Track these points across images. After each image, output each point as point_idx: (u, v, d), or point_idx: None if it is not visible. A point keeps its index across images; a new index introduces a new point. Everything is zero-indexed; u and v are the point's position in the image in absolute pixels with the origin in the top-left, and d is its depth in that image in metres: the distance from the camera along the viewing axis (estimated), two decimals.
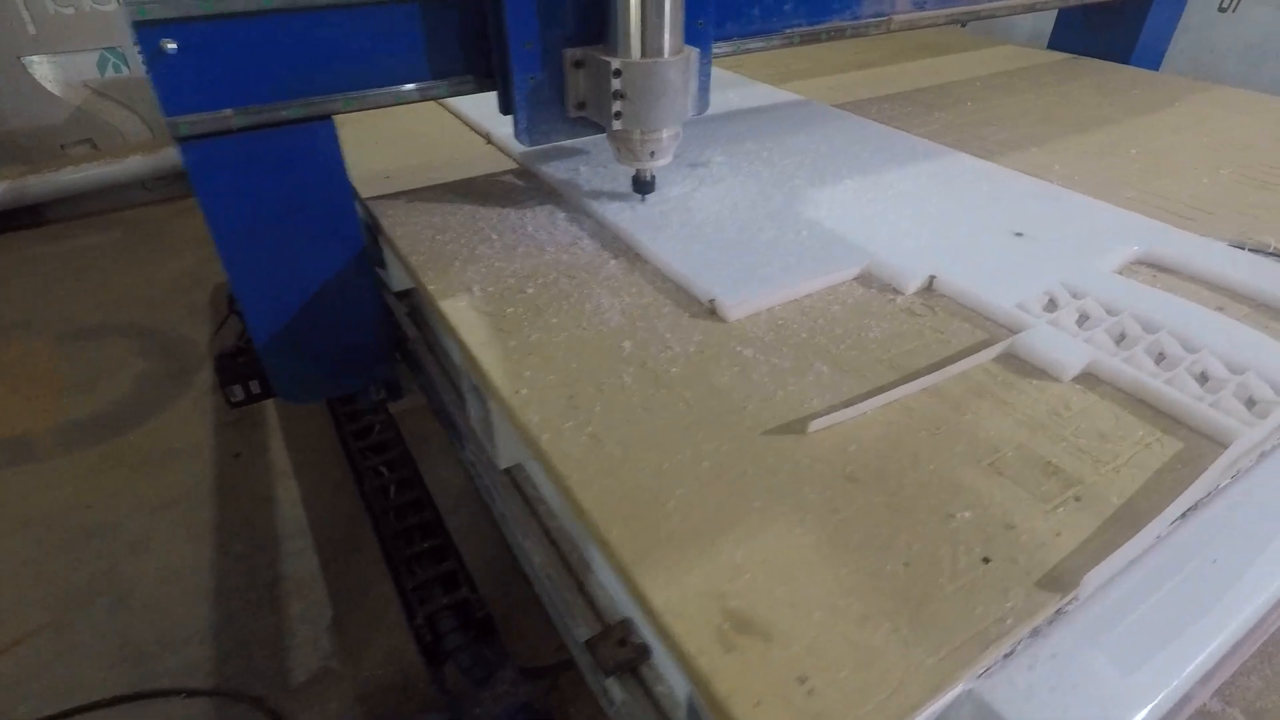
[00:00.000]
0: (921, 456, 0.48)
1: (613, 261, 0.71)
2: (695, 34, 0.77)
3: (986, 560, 0.42)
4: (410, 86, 0.73)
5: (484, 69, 0.75)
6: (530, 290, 0.67)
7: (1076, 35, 1.54)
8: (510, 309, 0.64)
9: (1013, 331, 0.60)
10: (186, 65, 0.62)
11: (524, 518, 0.65)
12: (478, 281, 0.68)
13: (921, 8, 1.09)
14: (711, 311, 0.63)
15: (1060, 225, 0.75)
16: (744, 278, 0.66)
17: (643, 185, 0.81)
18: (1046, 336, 0.58)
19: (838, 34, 1.00)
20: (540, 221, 0.79)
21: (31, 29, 2.33)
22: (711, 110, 0.83)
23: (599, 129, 0.77)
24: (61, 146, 2.50)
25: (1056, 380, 0.55)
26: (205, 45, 0.62)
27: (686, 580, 0.41)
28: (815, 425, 0.50)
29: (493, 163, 0.96)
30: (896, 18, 1.06)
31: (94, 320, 1.98)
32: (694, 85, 0.75)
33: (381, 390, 0.95)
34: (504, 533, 0.70)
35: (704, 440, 0.50)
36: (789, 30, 0.94)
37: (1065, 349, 0.56)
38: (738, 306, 0.62)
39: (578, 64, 0.73)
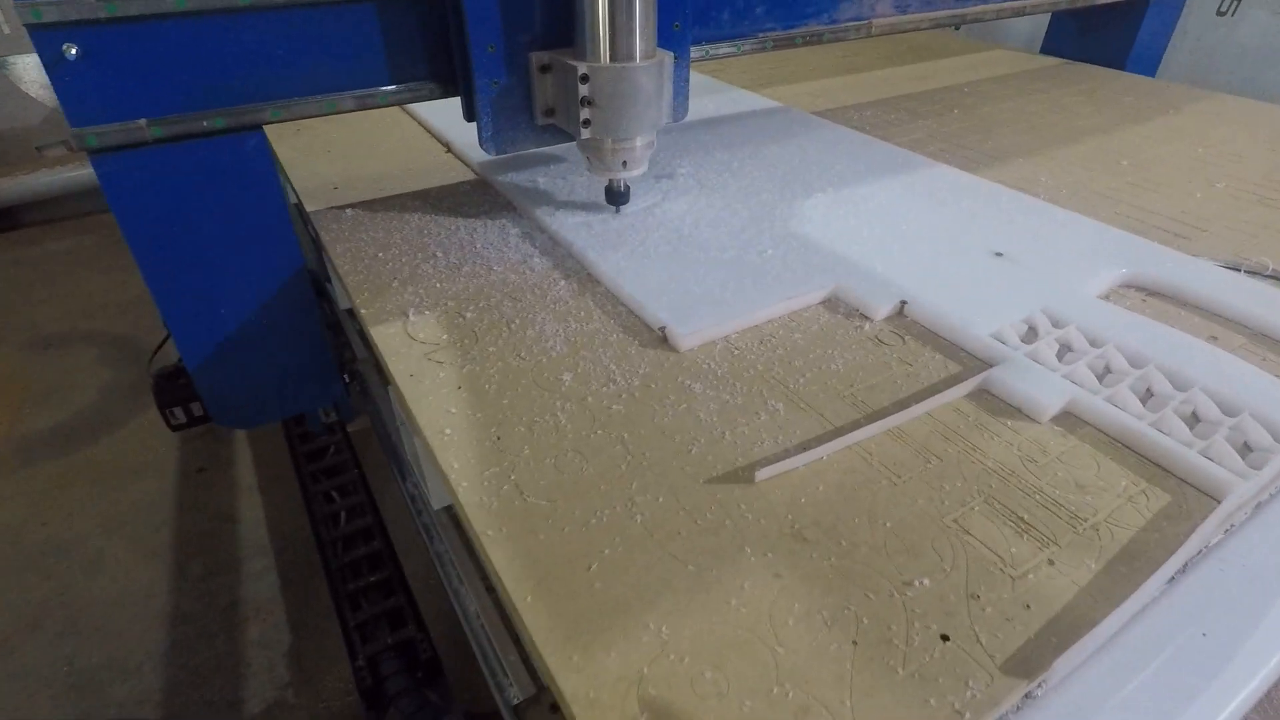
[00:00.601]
0: (879, 511, 0.44)
1: (562, 283, 0.66)
2: (671, 37, 0.73)
3: (945, 638, 0.37)
4: (349, 94, 0.68)
5: (446, 74, 0.71)
6: (470, 314, 0.62)
7: (1070, 40, 1.49)
8: (445, 335, 0.59)
9: (988, 364, 0.55)
10: (92, 72, 0.57)
11: (461, 560, 0.60)
12: (414, 305, 0.63)
13: (904, 11, 1.05)
14: (662, 340, 0.58)
15: (1043, 244, 0.70)
16: (700, 303, 0.61)
17: (616, 196, 0.76)
18: (1023, 371, 0.53)
19: (814, 39, 0.95)
20: (491, 238, 0.74)
21: (6, 29, 2.28)
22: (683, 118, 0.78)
23: (568, 137, 0.73)
24: (37, 149, 2.45)
25: (1033, 420, 0.51)
26: (112, 50, 0.57)
27: (603, 661, 0.36)
28: (762, 474, 0.45)
29: (450, 173, 0.91)
30: (877, 21, 1.01)
31: (62, 328, 1.93)
32: (669, 91, 0.71)
33: (332, 412, 0.91)
34: (440, 575, 0.65)
35: (639, 491, 0.45)
36: (761, 35, 0.90)
37: (1043, 386, 0.52)
38: (690, 335, 0.57)
39: (544, 68, 0.69)
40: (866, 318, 0.61)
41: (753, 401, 0.52)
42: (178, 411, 0.87)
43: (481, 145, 0.71)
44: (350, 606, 0.77)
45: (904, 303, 0.62)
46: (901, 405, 0.51)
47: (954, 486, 0.45)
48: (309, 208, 0.82)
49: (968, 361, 0.56)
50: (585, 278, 0.67)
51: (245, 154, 0.66)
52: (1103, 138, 1.03)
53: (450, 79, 0.71)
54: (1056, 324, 0.59)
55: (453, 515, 0.64)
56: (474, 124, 0.71)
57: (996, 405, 0.52)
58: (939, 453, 0.48)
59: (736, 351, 0.57)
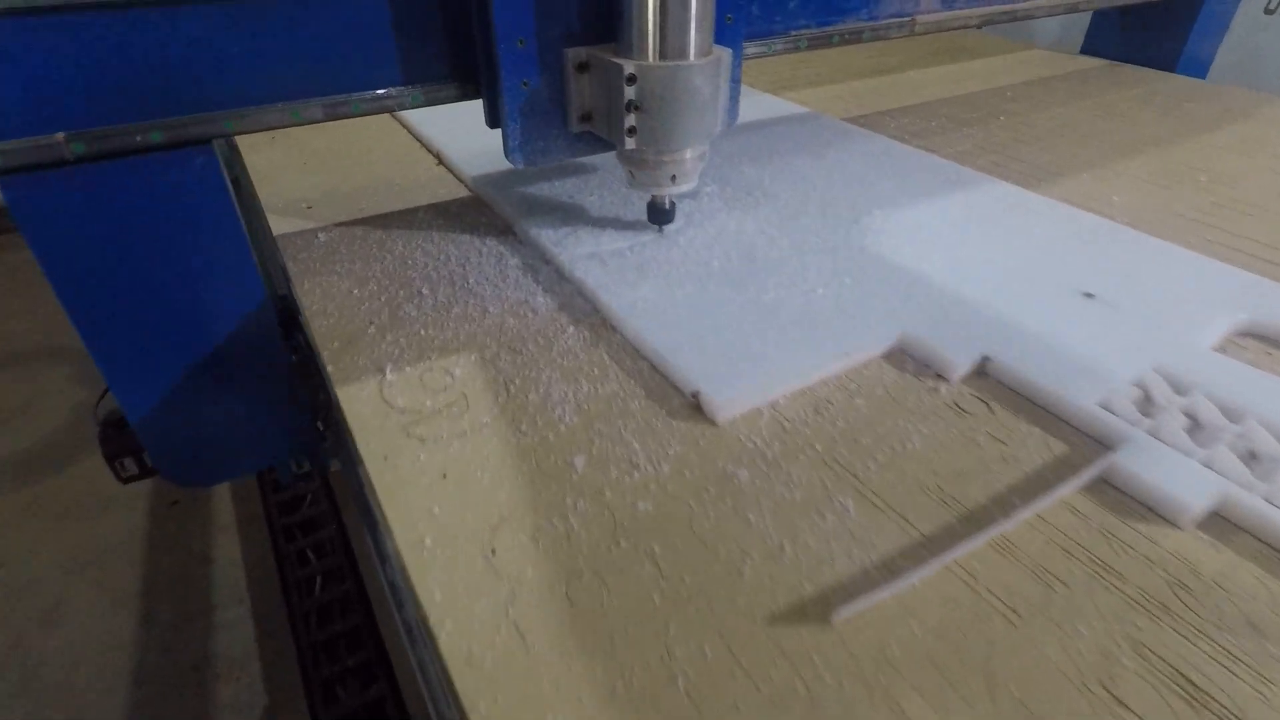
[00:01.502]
0: (998, 668, 0.33)
1: (571, 329, 0.56)
2: (723, 31, 0.62)
3: None
4: (332, 100, 0.57)
5: (467, 73, 0.60)
6: (460, 371, 0.51)
7: (1114, 39, 1.39)
8: (429, 401, 0.48)
9: (1103, 444, 0.45)
10: None
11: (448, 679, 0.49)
12: (393, 358, 0.52)
13: (950, 6, 0.94)
14: (695, 408, 0.48)
15: (1139, 282, 0.60)
16: (739, 359, 0.50)
17: (661, 214, 0.66)
18: (1150, 456, 0.42)
19: (852, 37, 0.84)
20: (487, 270, 0.63)
21: None
22: None
23: (606, 146, 0.63)
24: None
25: (1172, 525, 0.40)
26: (18, 47, 0.46)
27: None
28: (841, 613, 0.34)
29: (441, 189, 0.80)
30: (921, 18, 0.91)
31: (32, 343, 1.82)
32: (725, 94, 0.60)
33: (304, 463, 0.80)
34: (421, 687, 0.55)
35: (680, 637, 0.34)
36: (795, 33, 0.79)
37: (1180, 477, 0.41)
38: (730, 404, 0.46)
39: (582, 67, 0.58)
40: (941, 377, 0.51)
41: (814, 496, 0.41)
42: (128, 462, 0.76)
43: (507, 155, 0.61)
44: (324, 698, 0.66)
45: (986, 359, 0.51)
46: (1003, 504, 0.41)
47: (1090, 628, 0.35)
48: (277, 231, 0.71)
49: (1075, 439, 0.46)
50: (599, 323, 0.56)
51: (192, 174, 0.55)
52: (1170, 149, 0.92)
53: (471, 79, 0.60)
54: (1178, 389, 0.48)
55: None
56: (498, 131, 0.60)
57: (1122, 503, 0.41)
58: (1062, 575, 0.37)
59: (788, 424, 0.47)
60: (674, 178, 0.61)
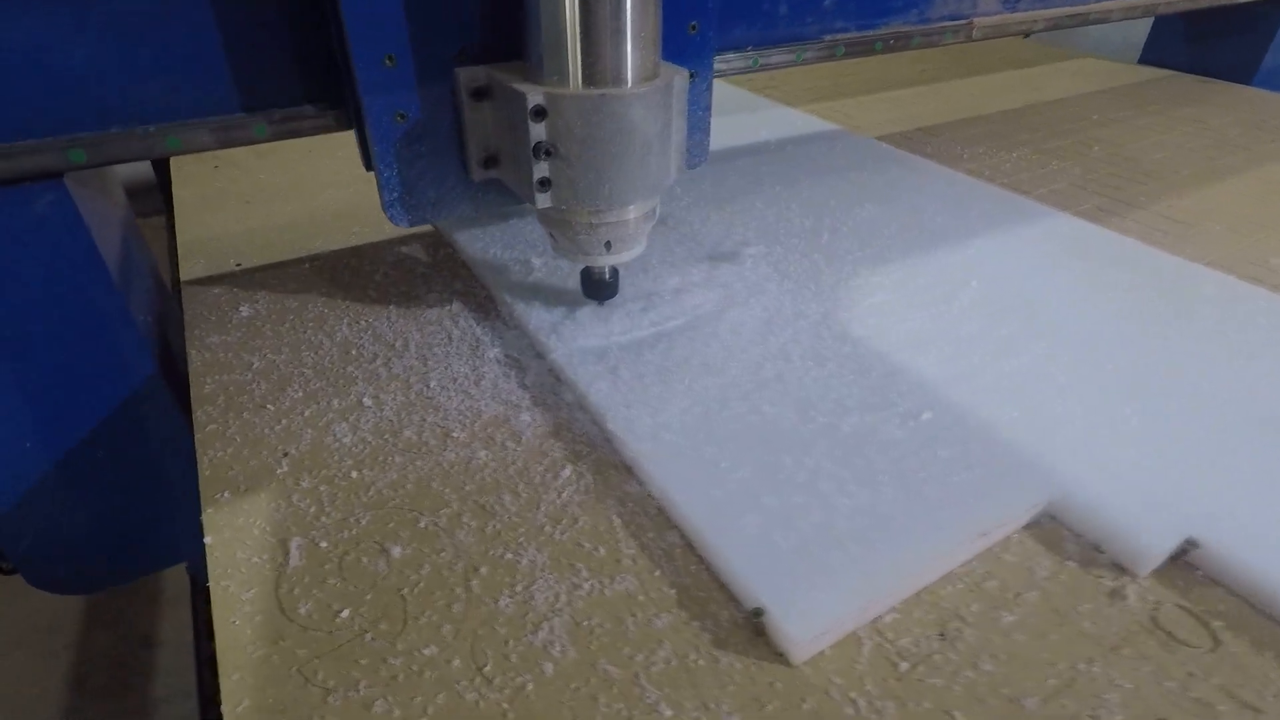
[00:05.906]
0: None
1: (568, 470, 0.39)
2: (685, 46, 0.46)
3: None
4: (199, 125, 0.41)
5: (328, 97, 0.44)
6: (399, 551, 0.34)
7: (1179, 47, 1.21)
8: (347, 610, 0.32)
9: None
10: None
11: None
12: (305, 524, 0.36)
13: (1013, 8, 0.78)
14: (757, 632, 0.31)
15: None
16: (817, 540, 0.33)
17: (598, 288, 0.49)
18: None
19: (899, 43, 0.68)
20: (456, 366, 0.47)
21: None
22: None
23: (520, 200, 0.46)
24: None
25: None
26: None
27: None
28: None
29: (409, 234, 0.64)
30: (980, 21, 0.75)
31: None
32: (681, 130, 0.43)
33: None
34: None
35: None
36: (829, 37, 0.63)
37: None
38: (813, 631, 0.30)
39: (480, 93, 0.42)
40: (1124, 570, 0.34)
41: None
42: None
43: (385, 210, 0.45)
44: None
45: (1190, 543, 0.34)
46: None
47: None
48: (189, 297, 0.54)
49: None
50: (607, 460, 0.40)
51: (34, 219, 0.40)
52: None
53: (338, 104, 0.45)
54: None
55: None
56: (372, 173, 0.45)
57: None
58: None
59: (903, 664, 0.30)
60: (609, 245, 0.44)
